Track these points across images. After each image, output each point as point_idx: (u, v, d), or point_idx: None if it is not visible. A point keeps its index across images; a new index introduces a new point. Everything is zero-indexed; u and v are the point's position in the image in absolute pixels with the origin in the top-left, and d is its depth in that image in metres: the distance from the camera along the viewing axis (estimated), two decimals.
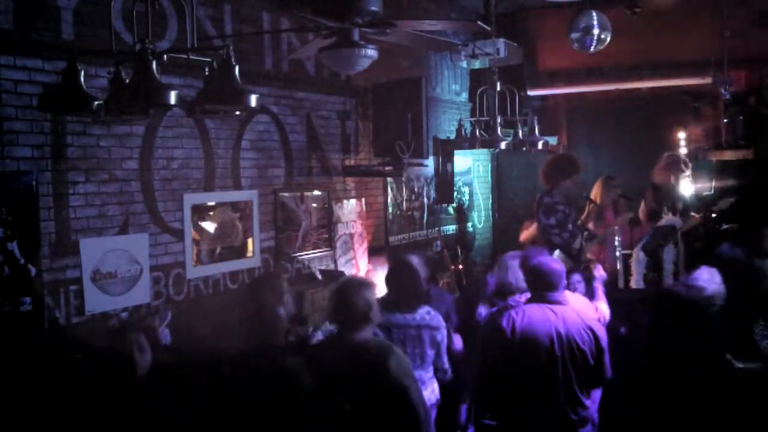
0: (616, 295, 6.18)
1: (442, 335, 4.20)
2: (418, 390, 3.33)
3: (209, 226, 5.20)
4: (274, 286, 4.26)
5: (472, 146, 6.79)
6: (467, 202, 8.75)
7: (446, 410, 4.69)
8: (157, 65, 2.70)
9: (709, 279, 4.67)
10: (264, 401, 3.11)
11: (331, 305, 3.54)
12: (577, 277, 5.02)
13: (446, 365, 4.27)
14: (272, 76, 5.75)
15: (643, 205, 7.36)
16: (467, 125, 6.73)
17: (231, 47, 2.90)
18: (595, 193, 7.10)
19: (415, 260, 4.60)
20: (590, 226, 6.76)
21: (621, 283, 6.89)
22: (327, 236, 6.33)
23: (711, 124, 8.14)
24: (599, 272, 5.12)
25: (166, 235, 4.87)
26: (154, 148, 4.78)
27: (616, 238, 6.84)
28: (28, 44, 4.03)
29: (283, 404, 3.09)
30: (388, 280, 4.44)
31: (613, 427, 4.77)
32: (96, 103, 2.91)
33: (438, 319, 4.23)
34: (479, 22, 5.29)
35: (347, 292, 3.44)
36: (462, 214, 8.61)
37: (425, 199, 7.85)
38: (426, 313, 4.22)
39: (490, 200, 9.35)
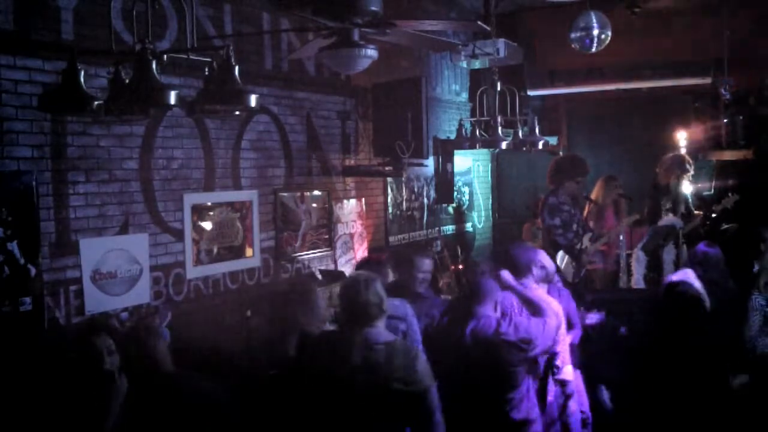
0: (616, 295, 6.18)
1: (406, 324, 4.15)
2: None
3: (209, 226, 5.20)
4: (307, 303, 3.84)
5: (472, 146, 6.79)
6: (467, 202, 8.74)
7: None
8: (157, 65, 2.69)
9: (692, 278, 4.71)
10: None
11: (342, 303, 3.42)
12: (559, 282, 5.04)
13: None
14: (272, 76, 5.75)
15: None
16: (467, 125, 6.73)
17: (231, 47, 2.90)
18: (596, 192, 7.11)
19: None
20: (590, 225, 6.77)
21: (623, 283, 6.91)
22: (327, 236, 6.32)
23: (711, 124, 8.14)
24: None
25: (166, 235, 4.87)
26: (154, 148, 4.78)
27: (621, 238, 6.85)
28: (28, 44, 4.03)
29: None
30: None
31: (613, 426, 4.77)
32: (96, 103, 2.90)
33: (404, 310, 4.18)
34: (479, 22, 5.28)
35: (358, 289, 3.35)
36: (462, 214, 8.61)
37: (425, 199, 7.85)
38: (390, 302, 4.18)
39: (490, 200, 9.35)
